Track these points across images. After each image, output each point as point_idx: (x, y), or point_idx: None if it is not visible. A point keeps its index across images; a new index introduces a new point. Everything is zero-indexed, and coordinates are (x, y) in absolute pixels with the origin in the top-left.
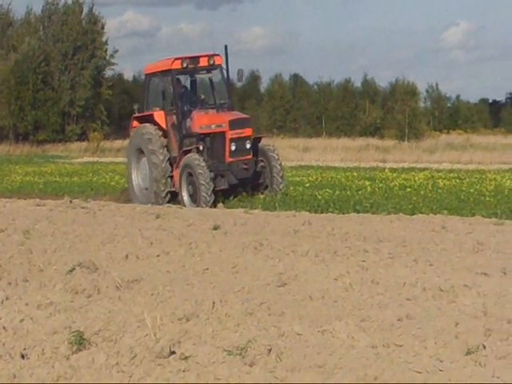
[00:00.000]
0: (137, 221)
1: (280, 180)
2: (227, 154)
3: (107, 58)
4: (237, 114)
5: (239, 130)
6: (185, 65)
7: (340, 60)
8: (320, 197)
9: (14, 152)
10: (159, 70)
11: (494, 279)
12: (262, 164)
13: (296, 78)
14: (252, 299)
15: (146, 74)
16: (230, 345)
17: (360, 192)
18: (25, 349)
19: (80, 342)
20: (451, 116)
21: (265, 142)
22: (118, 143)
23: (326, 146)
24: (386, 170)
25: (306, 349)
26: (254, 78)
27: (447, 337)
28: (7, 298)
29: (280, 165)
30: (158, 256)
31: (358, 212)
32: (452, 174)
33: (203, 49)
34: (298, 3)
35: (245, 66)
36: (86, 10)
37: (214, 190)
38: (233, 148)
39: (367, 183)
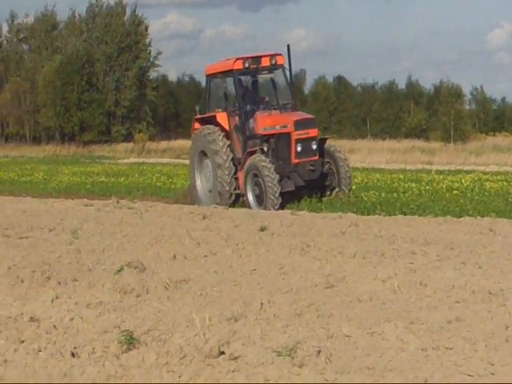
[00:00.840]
0: (184, 221)
1: (348, 181)
2: (293, 155)
3: (151, 59)
4: (301, 115)
5: (304, 131)
6: (247, 65)
7: (384, 61)
8: (366, 199)
9: (61, 153)
10: (221, 70)
11: None
12: (329, 165)
13: (340, 79)
14: (300, 300)
15: (207, 75)
16: (279, 346)
17: (406, 194)
18: (75, 347)
19: (130, 341)
20: (497, 118)
21: (330, 143)
22: (164, 144)
23: (371, 147)
24: (433, 172)
25: (355, 351)
26: (298, 80)
27: (497, 340)
28: (57, 297)
29: (347, 166)
30: (205, 256)
31: (405, 214)
32: (499, 177)
33: (246, 50)
34: (341, 4)
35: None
36: (128, 11)
37: (280, 192)
38: (298, 149)
39: (413, 185)
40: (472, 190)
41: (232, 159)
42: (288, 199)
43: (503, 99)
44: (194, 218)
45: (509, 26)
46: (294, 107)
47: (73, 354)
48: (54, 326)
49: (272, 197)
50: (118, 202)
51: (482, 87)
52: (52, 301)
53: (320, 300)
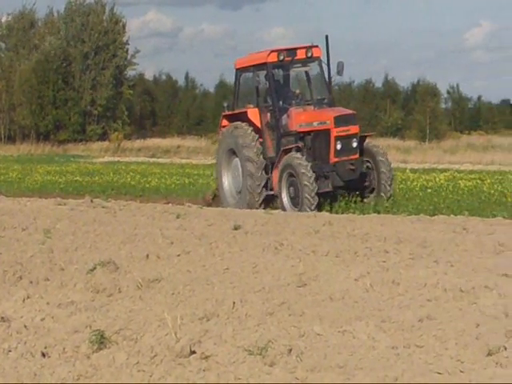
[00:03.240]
0: (157, 220)
1: (389, 182)
2: (332, 153)
3: (128, 58)
4: (342, 110)
5: (345, 128)
6: (281, 57)
7: (361, 60)
8: (340, 197)
9: (36, 151)
10: (253, 63)
11: None
12: (368, 165)
13: None
14: (272, 299)
15: (237, 69)
16: (251, 344)
17: None
18: (46, 347)
19: (101, 341)
20: (472, 117)
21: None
22: (139, 143)
23: None
24: (407, 171)
25: (327, 349)
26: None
27: (468, 338)
28: (28, 297)
29: (389, 165)
30: (178, 256)
31: (379, 213)
32: (473, 175)
33: (226, 49)
34: (320, 3)
35: None
36: (107, 9)
37: (317, 193)
38: (338, 147)
39: None
40: (446, 189)
41: (263, 155)
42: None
43: (479, 98)
44: (167, 217)
45: (487, 25)
46: (332, 102)
47: (43, 354)
48: (25, 326)
49: (308, 196)
50: (91, 201)
51: (458, 86)
52: (23, 300)
53: (292, 299)
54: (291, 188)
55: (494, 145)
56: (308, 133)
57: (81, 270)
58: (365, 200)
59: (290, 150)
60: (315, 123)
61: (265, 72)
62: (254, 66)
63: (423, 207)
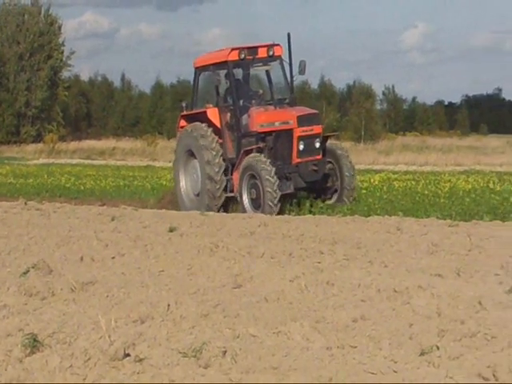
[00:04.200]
0: (92, 223)
1: (352, 183)
2: (294, 153)
3: (64, 59)
4: (304, 110)
5: (308, 127)
6: (242, 56)
7: (297, 61)
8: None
9: None
10: (213, 62)
11: (448, 280)
12: (331, 166)
13: None
14: (207, 301)
15: (196, 68)
16: (185, 347)
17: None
18: None
19: (34, 344)
20: (407, 118)
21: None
22: (74, 144)
23: None
24: None
25: (261, 350)
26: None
27: (401, 338)
28: None
29: (352, 167)
30: (113, 258)
31: (314, 214)
32: (407, 176)
33: (163, 50)
34: (258, 4)
35: None
36: (43, 10)
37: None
38: (301, 147)
39: None
40: (380, 190)
41: (222, 157)
42: (285, 202)
43: (414, 99)
44: (102, 220)
45: (422, 26)
46: (293, 102)
47: None
48: None
49: (270, 203)
50: (25, 203)
51: (393, 87)
52: None
53: (227, 300)
54: (252, 190)
55: (429, 146)
56: (269, 133)
57: (14, 273)
58: (327, 202)
59: (251, 151)
60: (277, 123)
61: (225, 71)
62: (213, 64)
63: (358, 208)
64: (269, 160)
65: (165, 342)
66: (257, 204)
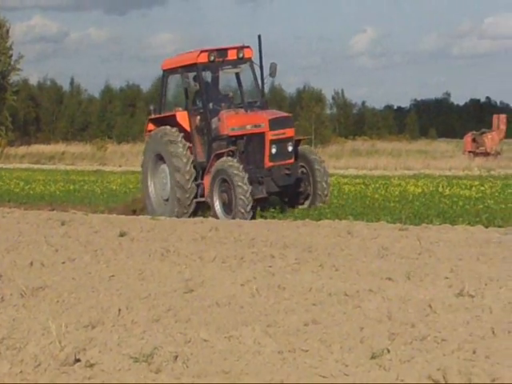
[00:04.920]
0: (42, 228)
1: (325, 188)
2: (267, 157)
3: (12, 63)
4: (276, 113)
5: (281, 131)
6: (212, 58)
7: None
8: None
9: None
10: (182, 64)
11: (399, 284)
12: (303, 170)
13: None
14: (158, 306)
15: (164, 70)
16: (136, 352)
17: None
18: None
19: None
20: (357, 122)
21: (304, 144)
22: (23, 149)
23: None
24: None
25: (213, 355)
26: None
27: (352, 341)
28: None
29: (325, 172)
30: (63, 263)
31: (265, 218)
32: (357, 180)
33: (113, 54)
34: (207, 9)
35: (153, 72)
36: None
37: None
38: (273, 151)
39: None
40: (331, 194)
41: (192, 163)
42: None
43: (363, 103)
44: (52, 225)
45: (371, 31)
46: (264, 105)
47: None
48: None
49: (243, 210)
50: None
51: (342, 91)
52: None
53: (178, 305)
54: (224, 194)
55: (378, 150)
56: (241, 136)
57: None
58: (299, 206)
59: (222, 155)
60: (249, 126)
61: (194, 73)
62: (182, 66)
63: (309, 212)
64: (241, 165)
65: (116, 347)
66: (228, 209)
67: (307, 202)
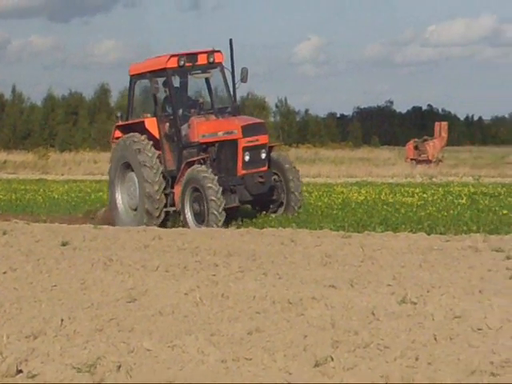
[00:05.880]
0: None
1: (298, 196)
2: (239, 165)
3: None
4: (249, 119)
5: (254, 137)
6: (182, 63)
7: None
8: (172, 212)
9: None
10: (150, 69)
11: (342, 291)
12: (276, 178)
13: None
14: (101, 315)
15: (132, 76)
16: (79, 362)
17: None
18: None
19: None
20: (300, 130)
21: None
22: None
23: None
24: None
25: (156, 364)
26: (104, 92)
27: (296, 349)
28: None
29: (298, 178)
30: (4, 273)
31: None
32: None
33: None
34: (151, 16)
35: (96, 80)
36: None
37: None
38: (246, 158)
39: None
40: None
41: (162, 172)
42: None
43: (306, 111)
44: None
45: (315, 39)
46: (236, 111)
47: None
48: None
49: (216, 212)
50: None
51: (286, 99)
52: None
53: (121, 314)
54: (195, 204)
55: (321, 157)
56: (212, 143)
57: None
58: (272, 215)
59: (193, 163)
60: (220, 133)
61: (163, 78)
62: (151, 71)
63: (252, 220)
64: (216, 177)
65: (58, 358)
66: (200, 219)
67: (280, 211)
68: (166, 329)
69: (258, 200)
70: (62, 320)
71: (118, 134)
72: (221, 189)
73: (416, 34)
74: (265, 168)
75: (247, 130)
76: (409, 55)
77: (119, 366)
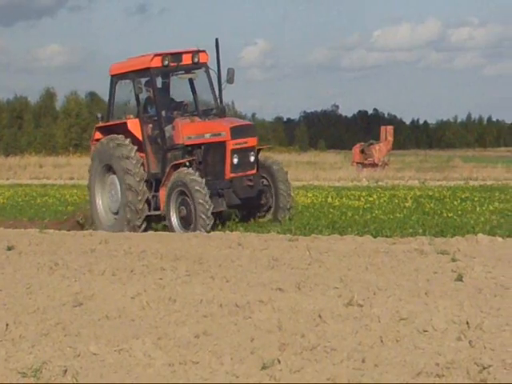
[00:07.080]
0: None
1: (287, 200)
2: (228, 168)
3: None
4: (237, 121)
5: (243, 140)
6: (166, 62)
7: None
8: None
9: None
10: (133, 69)
11: (289, 294)
12: (264, 181)
13: (93, 95)
14: (47, 320)
15: (113, 76)
16: (25, 367)
17: None
18: None
19: None
20: None
21: (266, 154)
22: None
23: None
24: None
25: (103, 369)
26: (50, 96)
27: (243, 352)
28: None
29: (289, 184)
30: None
31: (156, 230)
32: None
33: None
34: (97, 20)
35: (41, 84)
36: None
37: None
38: (235, 161)
39: None
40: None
41: (145, 179)
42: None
43: (253, 115)
44: None
45: (262, 43)
46: (222, 112)
47: None
48: None
49: (204, 216)
50: None
51: (233, 103)
52: None
53: (68, 319)
54: (182, 207)
55: None
56: (198, 146)
57: None
58: (260, 220)
59: (179, 166)
60: (207, 135)
61: (146, 78)
62: (134, 71)
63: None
64: (203, 180)
65: (3, 363)
66: (186, 223)
67: (269, 215)
68: (112, 333)
69: (246, 204)
70: (8, 325)
71: (98, 135)
72: (209, 192)
73: (362, 39)
74: (254, 171)
75: (236, 132)
76: (354, 60)
77: (65, 371)
